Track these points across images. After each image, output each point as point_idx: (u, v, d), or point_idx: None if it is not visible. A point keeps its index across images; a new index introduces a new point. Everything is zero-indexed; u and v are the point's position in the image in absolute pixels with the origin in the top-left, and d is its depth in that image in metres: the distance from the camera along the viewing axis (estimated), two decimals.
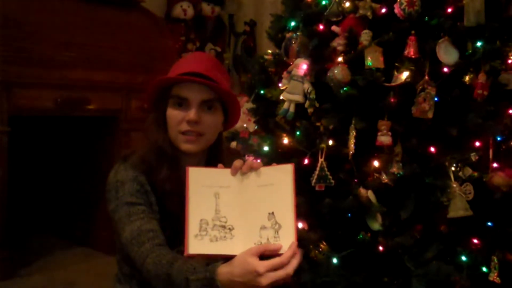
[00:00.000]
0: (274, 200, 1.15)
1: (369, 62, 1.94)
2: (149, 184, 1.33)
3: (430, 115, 1.91)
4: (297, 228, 1.14)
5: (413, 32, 1.93)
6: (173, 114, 1.34)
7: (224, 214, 1.16)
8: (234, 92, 1.45)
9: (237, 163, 1.20)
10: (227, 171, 1.19)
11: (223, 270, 1.10)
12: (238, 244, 1.13)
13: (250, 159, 2.28)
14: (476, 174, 1.97)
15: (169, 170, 1.34)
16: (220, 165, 1.24)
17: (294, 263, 1.10)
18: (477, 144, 1.99)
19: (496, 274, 1.90)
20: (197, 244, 1.13)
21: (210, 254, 1.14)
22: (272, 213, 1.15)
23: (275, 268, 1.08)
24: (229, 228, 1.15)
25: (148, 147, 1.38)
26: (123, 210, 1.29)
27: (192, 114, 1.31)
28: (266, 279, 1.07)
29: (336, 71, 1.97)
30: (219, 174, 1.19)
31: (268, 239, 1.13)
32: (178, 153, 1.37)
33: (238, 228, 1.15)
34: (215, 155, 1.44)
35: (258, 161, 1.33)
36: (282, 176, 1.16)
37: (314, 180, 1.97)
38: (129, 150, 1.45)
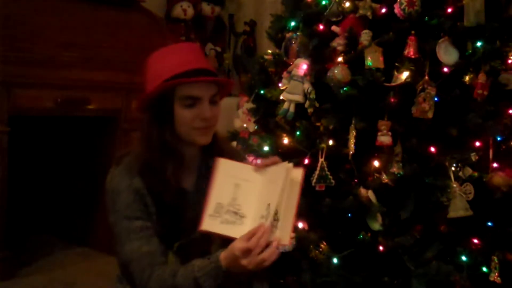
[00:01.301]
0: (281, 197, 1.23)
1: (369, 62, 1.94)
2: (145, 185, 1.33)
3: (430, 115, 1.91)
4: (294, 223, 1.25)
5: (413, 32, 1.93)
6: (185, 113, 1.34)
7: (239, 203, 1.29)
8: (232, 93, 1.48)
9: (260, 162, 1.35)
10: (250, 167, 1.34)
11: (223, 256, 1.21)
12: (245, 230, 1.23)
13: (250, 159, 2.29)
14: (476, 174, 1.97)
15: (175, 166, 1.36)
16: (246, 160, 1.37)
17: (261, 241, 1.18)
18: (477, 144, 2.00)
19: (496, 274, 1.90)
20: (210, 222, 1.26)
21: (219, 233, 1.27)
22: (276, 208, 1.23)
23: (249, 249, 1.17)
24: (241, 216, 1.28)
25: (146, 146, 1.37)
26: (122, 225, 1.31)
27: (207, 111, 1.34)
28: (248, 261, 1.17)
29: (336, 71, 1.97)
30: (243, 168, 1.35)
31: None
32: (182, 148, 1.38)
33: (249, 217, 1.27)
34: (211, 142, 1.44)
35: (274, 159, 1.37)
36: (293, 178, 1.27)
37: (314, 180, 1.97)
38: (123, 151, 1.44)
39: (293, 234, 1.93)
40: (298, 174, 1.28)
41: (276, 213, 1.21)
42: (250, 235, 1.18)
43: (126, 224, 1.31)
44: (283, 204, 1.21)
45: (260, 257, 1.17)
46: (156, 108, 1.37)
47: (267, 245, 1.18)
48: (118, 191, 1.32)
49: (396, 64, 1.97)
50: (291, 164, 1.27)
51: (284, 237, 1.20)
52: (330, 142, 2.02)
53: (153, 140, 1.36)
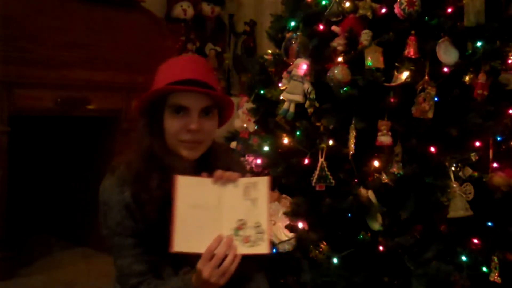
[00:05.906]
0: (267, 212, 1.26)
1: (369, 62, 1.94)
2: (134, 198, 1.31)
3: (430, 115, 1.91)
4: (271, 232, 1.27)
5: (413, 32, 1.93)
6: (172, 123, 1.31)
7: (207, 220, 1.26)
8: (232, 93, 1.46)
9: (218, 173, 1.28)
10: (209, 180, 1.28)
11: (194, 276, 1.25)
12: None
13: (250, 159, 2.29)
14: (476, 174, 1.97)
15: (160, 178, 1.32)
16: (203, 173, 1.29)
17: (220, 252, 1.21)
18: (477, 144, 1.99)
19: (496, 274, 1.90)
20: (181, 244, 1.23)
21: (190, 252, 1.25)
22: (259, 221, 1.25)
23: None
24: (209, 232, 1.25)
25: (137, 154, 1.35)
26: (115, 241, 1.33)
27: (194, 124, 1.30)
28: (208, 273, 1.20)
29: (336, 71, 1.97)
30: (204, 184, 1.28)
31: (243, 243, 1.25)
32: (172, 160, 1.35)
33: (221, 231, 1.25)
34: (206, 156, 1.41)
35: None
36: (259, 189, 1.27)
37: (314, 180, 1.97)
38: (118, 158, 1.40)
39: (289, 236, 1.97)
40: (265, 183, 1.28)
41: (258, 226, 1.24)
42: (206, 256, 1.21)
43: (118, 240, 1.32)
44: (267, 217, 1.25)
45: (221, 268, 1.20)
46: (148, 115, 1.35)
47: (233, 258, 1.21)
48: (110, 206, 1.31)
49: (396, 64, 1.97)
50: (268, 177, 1.28)
51: (268, 247, 1.24)
52: (330, 142, 2.02)
53: (142, 148, 1.35)
